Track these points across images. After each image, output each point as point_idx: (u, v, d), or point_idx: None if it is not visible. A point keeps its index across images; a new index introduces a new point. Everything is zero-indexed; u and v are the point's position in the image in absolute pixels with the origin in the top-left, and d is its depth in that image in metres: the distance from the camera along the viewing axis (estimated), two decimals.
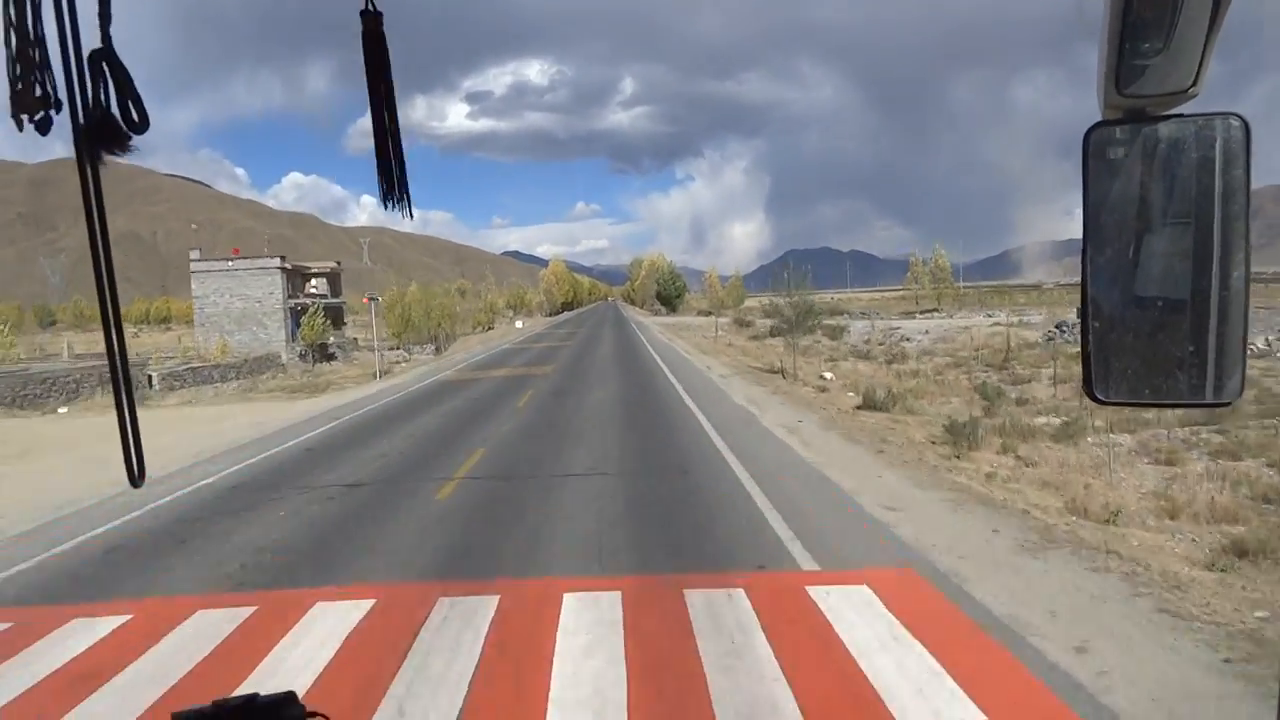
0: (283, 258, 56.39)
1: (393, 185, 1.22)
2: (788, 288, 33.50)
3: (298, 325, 52.25)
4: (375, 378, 34.57)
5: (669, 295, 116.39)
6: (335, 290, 61.10)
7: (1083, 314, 1.21)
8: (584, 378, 28.75)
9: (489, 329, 77.39)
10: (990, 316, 65.19)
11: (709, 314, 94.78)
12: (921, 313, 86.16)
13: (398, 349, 51.10)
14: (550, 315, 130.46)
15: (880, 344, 43.86)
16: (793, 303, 32.60)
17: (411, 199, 1.25)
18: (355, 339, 57.90)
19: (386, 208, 1.23)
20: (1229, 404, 1.18)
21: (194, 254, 57.61)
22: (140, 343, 66.38)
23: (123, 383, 1.01)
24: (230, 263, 55.55)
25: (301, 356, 50.67)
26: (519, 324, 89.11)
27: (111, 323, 1.01)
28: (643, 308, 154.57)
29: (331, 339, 53.99)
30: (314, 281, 59.27)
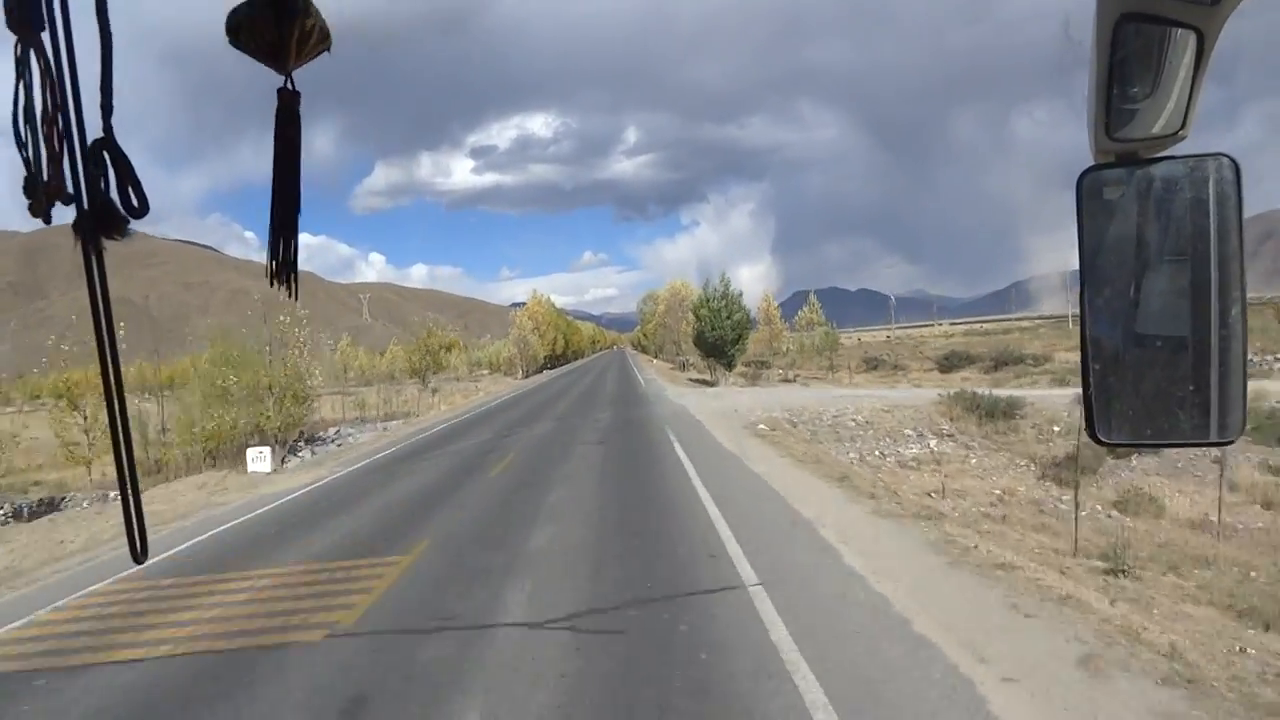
0: None
1: (283, 263, 1.21)
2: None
3: None
4: None
5: (722, 339, 60.65)
6: None
7: (1083, 355, 1.23)
8: None
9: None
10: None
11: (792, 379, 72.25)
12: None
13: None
14: (525, 377, 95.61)
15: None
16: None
17: (297, 279, 1.23)
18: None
19: (273, 285, 1.22)
20: (1232, 441, 1.18)
21: None
22: None
23: (125, 461, 1.03)
24: None
25: None
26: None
27: (115, 404, 1.02)
28: (658, 358, 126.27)
29: None
30: None
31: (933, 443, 27.46)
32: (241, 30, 1.12)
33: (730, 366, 64.39)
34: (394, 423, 42.68)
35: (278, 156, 1.19)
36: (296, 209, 1.23)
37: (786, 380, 73.63)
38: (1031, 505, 21.32)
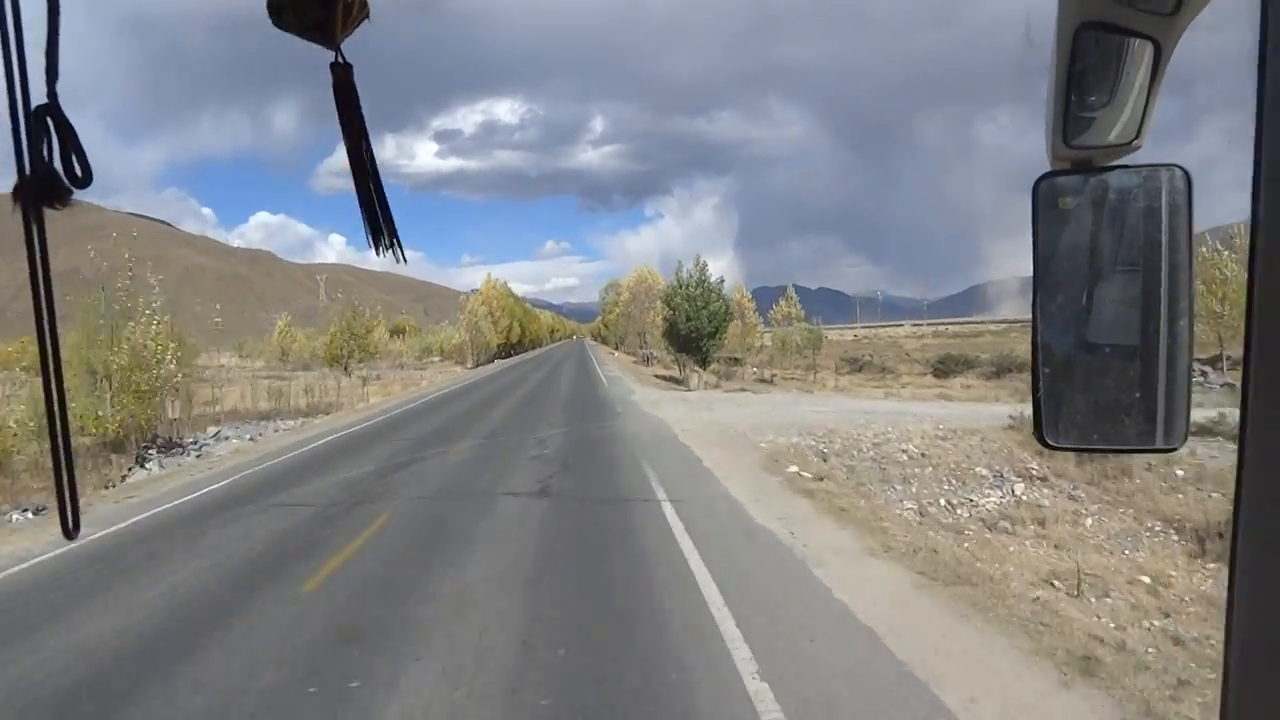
0: None
1: (380, 230, 1.21)
2: None
3: None
4: None
5: (698, 331, 53.80)
6: None
7: (1034, 360, 1.23)
8: None
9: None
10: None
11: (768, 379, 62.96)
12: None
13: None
14: (474, 366, 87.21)
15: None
16: None
17: (401, 242, 1.23)
18: None
19: (378, 253, 1.23)
20: (1175, 449, 1.20)
21: None
22: None
23: (60, 435, 1.01)
24: None
25: None
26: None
27: (52, 377, 1.00)
28: (619, 350, 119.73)
29: None
30: None
31: (1018, 488, 19.48)
32: (285, 10, 1.10)
33: (705, 363, 56.28)
34: (291, 423, 33.98)
35: (347, 132, 1.17)
36: (377, 175, 1.21)
37: (763, 380, 65.90)
38: (1208, 604, 13.60)
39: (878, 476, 19.26)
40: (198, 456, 24.28)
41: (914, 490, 19.03)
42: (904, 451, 20.54)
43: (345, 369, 49.02)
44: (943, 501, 18.75)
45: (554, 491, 13.41)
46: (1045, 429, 1.24)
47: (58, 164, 0.96)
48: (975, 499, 19.08)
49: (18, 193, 0.95)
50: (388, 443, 20.91)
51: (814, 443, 20.23)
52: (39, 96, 0.94)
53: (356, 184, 1.20)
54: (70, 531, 1.04)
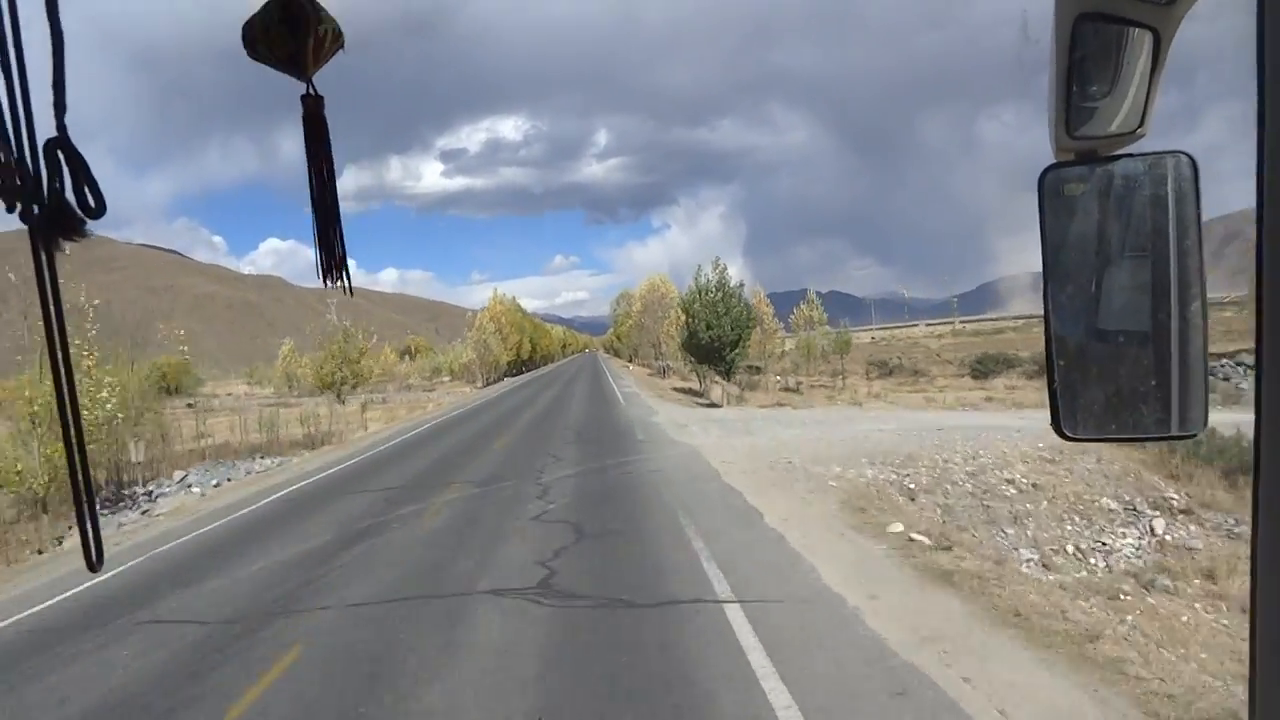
0: None
1: (332, 261, 1.23)
2: None
3: None
4: None
5: (719, 340, 48.81)
6: None
7: (1047, 351, 1.23)
8: None
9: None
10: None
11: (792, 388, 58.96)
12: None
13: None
14: (484, 385, 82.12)
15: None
16: None
17: (350, 274, 1.26)
18: None
19: (326, 284, 1.24)
20: (1195, 435, 1.19)
21: None
22: None
23: (80, 469, 1.01)
24: None
25: None
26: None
27: (68, 411, 1.00)
28: (633, 362, 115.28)
29: None
30: None
31: (1158, 524, 15.21)
32: (259, 43, 1.13)
33: (729, 374, 51.75)
34: (269, 463, 29.85)
35: (311, 160, 1.19)
36: (336, 207, 1.23)
37: (788, 389, 61.35)
38: None
39: (981, 517, 15.00)
40: (143, 513, 20.16)
41: (1029, 533, 14.77)
42: (1009, 482, 16.20)
43: (338, 396, 44.86)
44: (1070, 547, 14.50)
45: (562, 585, 9.11)
46: (1063, 420, 1.23)
47: (71, 197, 0.95)
48: (1108, 542, 14.84)
49: (32, 227, 0.94)
50: (361, 493, 16.75)
51: (894, 475, 15.95)
52: (46, 130, 0.93)
53: (316, 214, 1.19)
54: (94, 565, 1.03)
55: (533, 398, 50.04)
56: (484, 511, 13.73)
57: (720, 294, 49.73)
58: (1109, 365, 1.21)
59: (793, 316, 79.67)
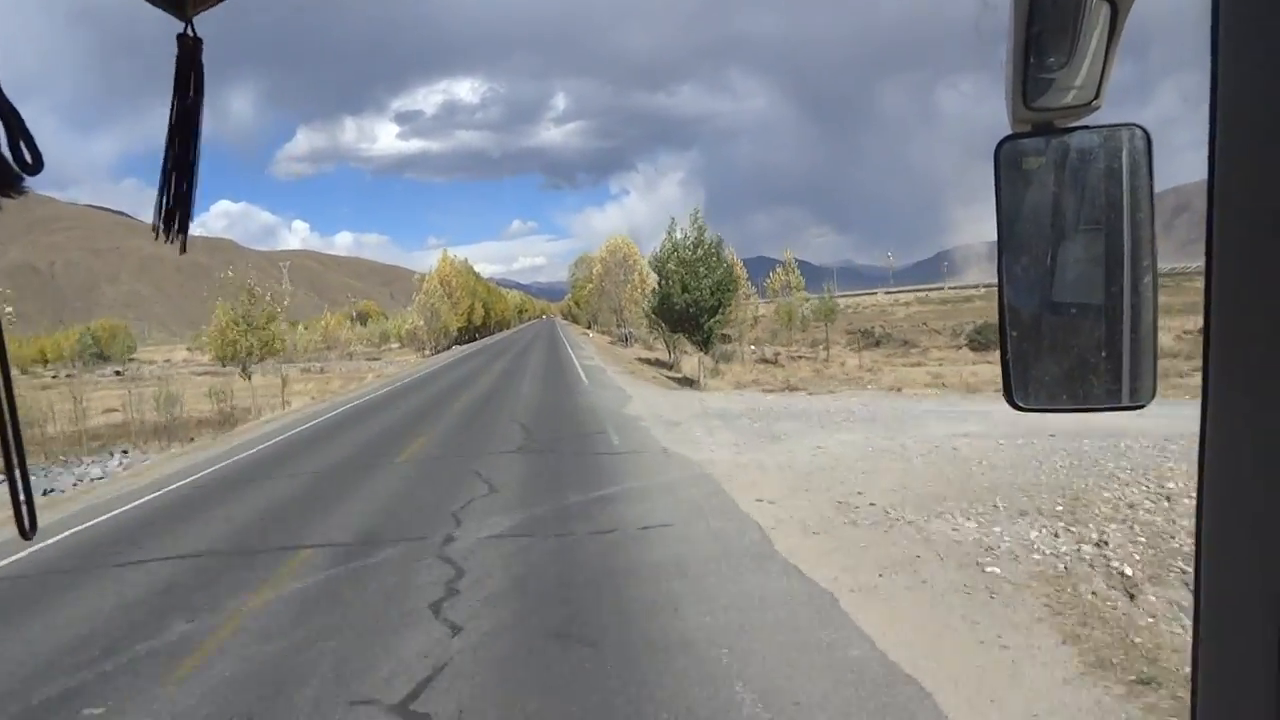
0: None
1: (174, 214, 1.14)
2: None
3: None
4: None
5: (697, 305, 41.14)
6: None
7: (1000, 322, 1.22)
8: None
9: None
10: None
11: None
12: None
13: None
14: (433, 353, 77.01)
15: None
16: None
17: (188, 232, 1.16)
18: None
19: (167, 239, 1.15)
20: (1143, 405, 1.18)
21: None
22: None
23: (12, 432, 0.97)
24: None
25: None
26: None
27: (1, 378, 0.96)
28: (593, 329, 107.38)
29: None
30: None
31: None
32: None
33: (707, 344, 43.85)
34: (149, 460, 22.47)
35: (176, 103, 1.11)
36: (195, 160, 1.14)
37: (765, 360, 54.34)
38: None
39: None
40: None
41: None
42: None
43: (243, 371, 37.27)
44: None
45: None
46: (1014, 391, 1.22)
47: (6, 152, 0.90)
48: None
49: None
50: (132, 567, 9.51)
51: (1072, 539, 9.00)
52: None
53: (166, 160, 1.12)
54: (26, 532, 1.01)
55: (480, 370, 42.72)
56: (302, 664, 6.50)
57: (699, 253, 41.77)
58: (1061, 337, 1.19)
59: (768, 280, 72.82)
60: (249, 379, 36.90)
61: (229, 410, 39.10)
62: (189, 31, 1.09)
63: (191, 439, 30.02)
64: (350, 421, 23.96)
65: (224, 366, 39.78)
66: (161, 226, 1.13)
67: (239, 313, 36.67)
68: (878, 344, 66.34)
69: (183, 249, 1.17)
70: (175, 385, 46.33)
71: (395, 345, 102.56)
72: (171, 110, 1.11)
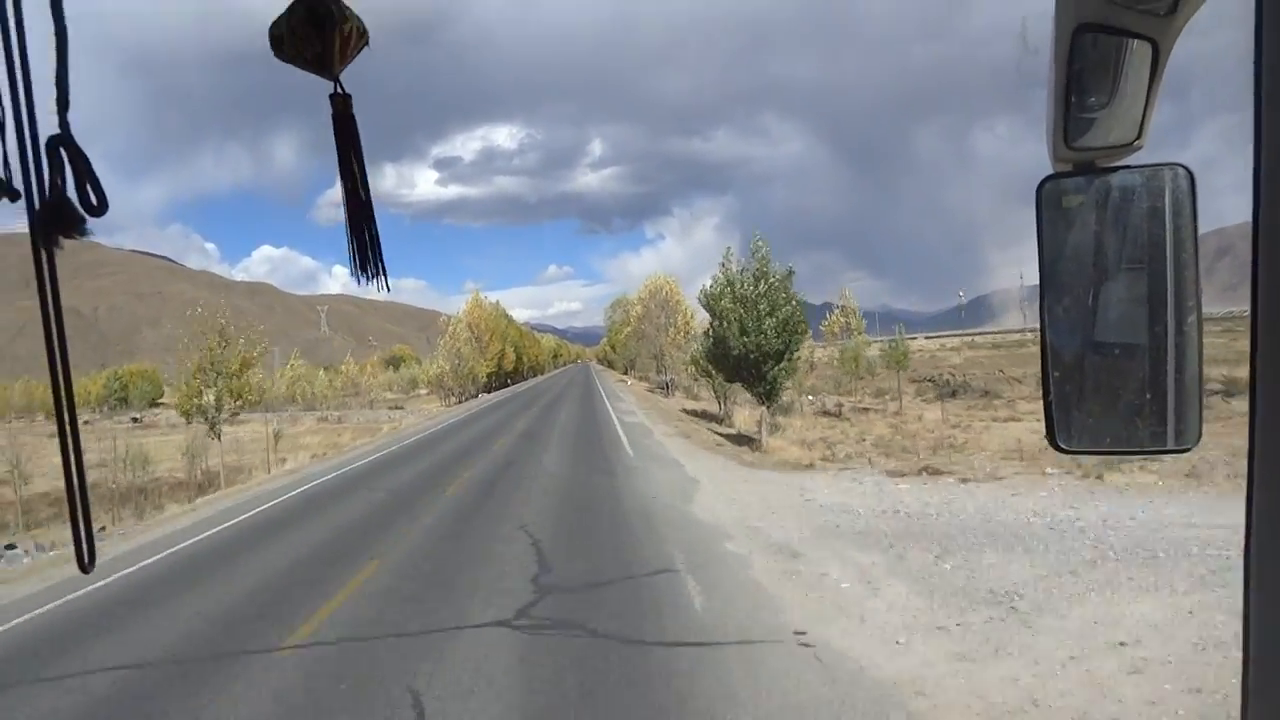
0: None
1: (367, 259, 1.21)
2: None
3: None
4: None
5: (760, 350, 31.24)
6: None
7: (1043, 363, 1.21)
8: None
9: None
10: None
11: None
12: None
13: None
14: (460, 401, 71.75)
15: None
16: None
17: (386, 271, 1.23)
18: None
19: (360, 282, 1.22)
20: (1188, 449, 1.15)
21: None
22: None
23: (75, 469, 0.97)
24: None
25: None
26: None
27: (65, 408, 0.97)
28: (630, 375, 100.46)
29: None
30: None
31: None
32: (285, 43, 1.11)
33: (770, 396, 35.35)
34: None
35: (342, 160, 1.17)
36: (370, 205, 1.20)
37: (827, 413, 46.28)
38: None
39: None
40: None
41: None
42: None
43: (212, 429, 30.67)
44: None
45: None
46: (1058, 433, 1.20)
47: (72, 194, 0.93)
48: None
49: (33, 224, 0.91)
50: None
51: None
52: (49, 127, 0.91)
53: (349, 212, 1.18)
54: (85, 566, 1.01)
55: (500, 427, 36.12)
56: None
57: (761, 287, 33.58)
58: (1104, 378, 1.17)
59: (824, 324, 65.55)
60: (218, 438, 30.21)
61: (216, 470, 32.96)
62: (338, 89, 1.12)
63: (195, 498, 23.92)
64: (318, 506, 17.53)
65: (188, 423, 33.05)
66: (359, 273, 1.18)
67: (207, 359, 30.04)
68: (954, 394, 58.55)
69: (386, 288, 1.23)
70: (178, 436, 40.18)
71: (424, 391, 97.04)
72: (339, 165, 1.14)
